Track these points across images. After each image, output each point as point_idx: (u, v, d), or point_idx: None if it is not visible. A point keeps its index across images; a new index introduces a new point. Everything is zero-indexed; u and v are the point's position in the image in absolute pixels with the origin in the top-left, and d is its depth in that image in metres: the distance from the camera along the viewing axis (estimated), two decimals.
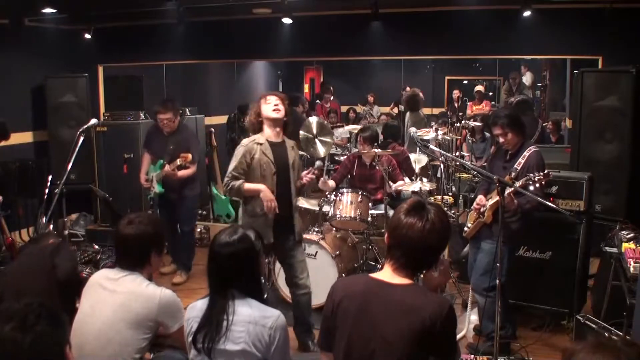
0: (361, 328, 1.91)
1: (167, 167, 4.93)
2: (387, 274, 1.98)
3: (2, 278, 2.76)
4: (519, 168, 3.61)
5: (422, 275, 3.70)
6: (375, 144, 5.18)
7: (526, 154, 3.65)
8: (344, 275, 4.42)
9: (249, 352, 2.10)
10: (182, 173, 4.97)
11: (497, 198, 3.51)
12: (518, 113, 3.97)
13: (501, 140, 3.76)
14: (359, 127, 7.01)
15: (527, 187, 3.35)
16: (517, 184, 3.40)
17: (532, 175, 3.33)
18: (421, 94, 7.13)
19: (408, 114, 7.00)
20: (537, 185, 3.31)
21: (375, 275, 2.00)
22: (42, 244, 3.21)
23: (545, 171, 3.36)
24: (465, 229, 3.96)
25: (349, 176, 5.35)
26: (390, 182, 5.01)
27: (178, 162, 4.86)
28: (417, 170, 5.61)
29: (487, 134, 7.54)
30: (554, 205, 3.64)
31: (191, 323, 2.21)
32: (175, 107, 5.20)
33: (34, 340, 1.43)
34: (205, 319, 2.15)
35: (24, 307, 1.49)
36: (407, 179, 5.45)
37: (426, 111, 8.69)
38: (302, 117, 6.84)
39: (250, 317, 2.13)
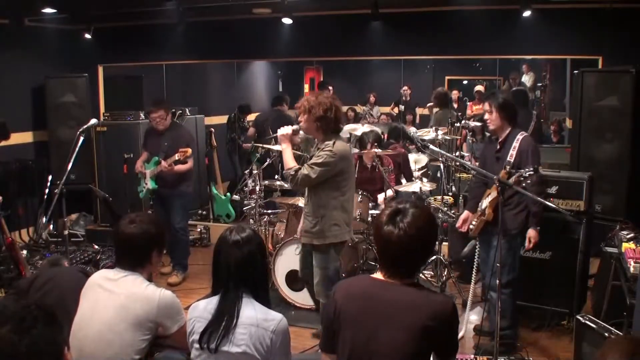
0: (363, 328, 1.91)
1: (163, 163, 4.96)
2: None
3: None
4: (512, 160, 3.59)
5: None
6: (375, 144, 5.18)
7: (516, 145, 3.62)
8: (344, 275, 4.41)
9: (250, 354, 2.09)
10: (179, 167, 5.00)
11: (495, 194, 3.53)
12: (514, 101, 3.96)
13: (486, 116, 3.79)
14: (358, 126, 7.00)
15: (520, 184, 3.29)
16: (512, 179, 3.33)
17: (522, 171, 3.27)
18: (449, 94, 7.15)
19: (440, 112, 6.98)
20: (529, 181, 3.26)
21: (376, 275, 2.00)
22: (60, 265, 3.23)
23: (535, 166, 3.27)
24: (471, 226, 3.93)
25: None
26: (388, 184, 5.01)
27: (176, 156, 4.88)
28: (415, 169, 5.60)
29: (488, 134, 7.53)
30: (554, 205, 3.63)
31: (193, 322, 2.20)
32: (166, 105, 5.23)
33: (30, 342, 1.42)
34: (215, 319, 2.13)
35: (21, 309, 1.48)
36: (404, 181, 5.45)
37: (426, 111, 8.69)
38: (287, 115, 6.84)
39: (252, 320, 2.12)
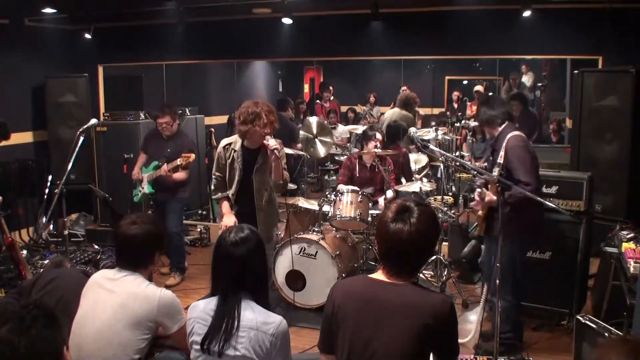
0: (362, 329, 1.91)
1: (164, 167, 4.94)
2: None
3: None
4: (502, 162, 3.45)
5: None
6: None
7: (505, 145, 3.49)
8: (344, 275, 4.42)
9: (249, 357, 2.08)
10: (176, 176, 4.98)
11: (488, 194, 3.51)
12: (497, 107, 3.77)
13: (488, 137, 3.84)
14: (358, 127, 7.00)
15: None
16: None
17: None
18: (413, 96, 7.05)
19: (396, 110, 6.95)
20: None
21: (374, 275, 2.00)
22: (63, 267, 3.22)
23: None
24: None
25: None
26: (388, 184, 5.00)
27: (179, 161, 4.85)
28: (415, 169, 5.60)
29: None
30: (554, 206, 3.63)
31: (193, 323, 2.19)
32: (173, 110, 5.20)
33: (29, 342, 1.42)
34: (216, 322, 2.12)
35: (20, 309, 1.48)
36: (404, 180, 5.46)
37: (426, 111, 8.69)
38: (290, 122, 6.79)
39: (252, 323, 2.11)
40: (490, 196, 3.45)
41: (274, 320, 2.14)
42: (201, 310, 2.19)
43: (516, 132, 3.59)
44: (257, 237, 2.26)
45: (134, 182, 5.24)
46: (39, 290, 2.66)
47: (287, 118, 6.85)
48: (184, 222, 6.04)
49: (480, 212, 3.64)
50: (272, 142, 3.70)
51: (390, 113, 6.93)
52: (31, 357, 1.42)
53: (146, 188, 5.10)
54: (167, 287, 5.01)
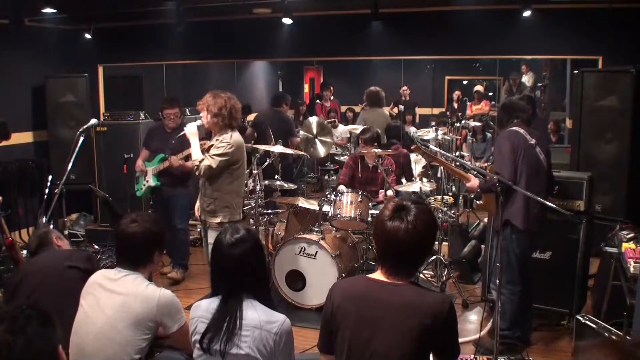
0: (361, 329, 1.90)
1: (173, 158, 4.90)
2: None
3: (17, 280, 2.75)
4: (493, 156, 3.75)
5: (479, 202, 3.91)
6: (376, 144, 5.16)
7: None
8: (344, 275, 4.42)
9: (253, 357, 2.08)
10: (189, 164, 4.96)
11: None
12: (511, 110, 3.89)
13: None
14: (358, 127, 6.98)
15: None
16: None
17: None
18: (382, 92, 7.01)
19: (366, 110, 6.92)
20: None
21: (373, 275, 1.99)
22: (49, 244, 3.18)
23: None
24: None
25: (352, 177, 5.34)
26: (388, 184, 5.00)
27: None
28: (415, 169, 5.60)
29: (488, 134, 7.54)
30: (554, 206, 3.62)
31: (196, 323, 2.19)
32: (181, 104, 5.28)
33: (25, 342, 1.42)
34: (216, 322, 2.12)
35: (14, 309, 1.48)
36: (404, 180, 5.46)
37: (426, 111, 8.69)
38: (285, 117, 6.76)
39: (255, 322, 2.11)
40: (473, 181, 3.67)
41: (278, 319, 2.14)
42: (204, 310, 2.19)
43: (514, 128, 3.67)
44: (253, 238, 2.26)
45: (137, 175, 5.22)
46: (26, 295, 2.65)
47: (284, 113, 6.78)
48: None
49: (481, 201, 3.72)
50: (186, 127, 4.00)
51: (365, 113, 6.87)
52: (27, 357, 1.42)
53: (151, 180, 5.07)
54: (171, 279, 5.03)
